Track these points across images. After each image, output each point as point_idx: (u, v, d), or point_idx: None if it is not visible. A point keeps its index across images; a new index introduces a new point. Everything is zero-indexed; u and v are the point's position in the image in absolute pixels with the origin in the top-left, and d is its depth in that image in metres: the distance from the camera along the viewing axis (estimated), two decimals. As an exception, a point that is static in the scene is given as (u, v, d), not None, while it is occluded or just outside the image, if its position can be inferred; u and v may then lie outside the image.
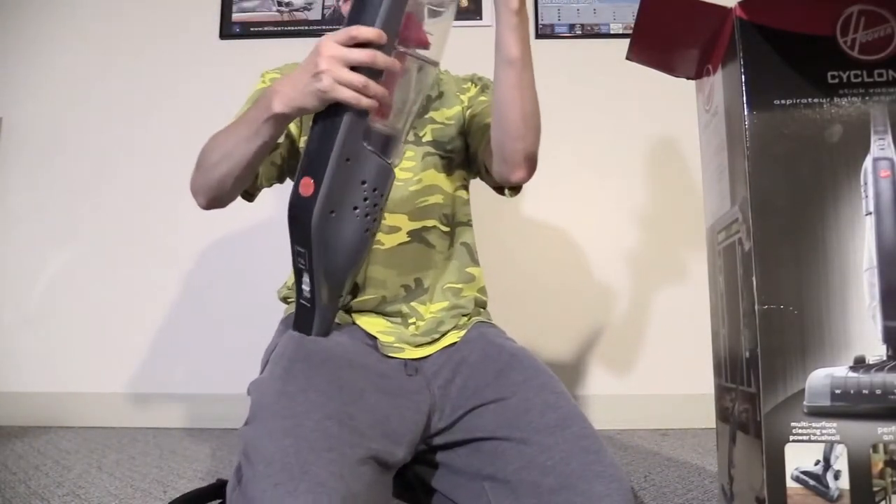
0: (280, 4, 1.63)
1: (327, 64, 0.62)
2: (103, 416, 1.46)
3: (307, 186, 0.67)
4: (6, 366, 1.51)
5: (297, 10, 1.63)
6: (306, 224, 0.67)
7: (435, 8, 0.69)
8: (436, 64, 0.71)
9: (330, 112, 0.66)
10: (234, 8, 1.62)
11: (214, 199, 0.81)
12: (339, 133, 0.65)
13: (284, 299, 0.91)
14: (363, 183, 0.67)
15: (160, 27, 1.63)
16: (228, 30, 1.62)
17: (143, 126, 1.60)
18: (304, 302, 0.72)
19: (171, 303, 1.54)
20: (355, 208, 0.67)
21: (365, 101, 0.63)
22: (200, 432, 1.40)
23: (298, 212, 0.68)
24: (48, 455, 1.17)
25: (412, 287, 0.84)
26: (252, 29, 1.61)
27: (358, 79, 0.62)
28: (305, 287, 0.71)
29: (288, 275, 0.91)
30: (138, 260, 1.55)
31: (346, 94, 0.62)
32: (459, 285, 0.87)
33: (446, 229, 0.89)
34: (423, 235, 0.86)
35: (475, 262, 0.92)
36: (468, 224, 0.93)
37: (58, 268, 1.56)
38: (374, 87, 0.63)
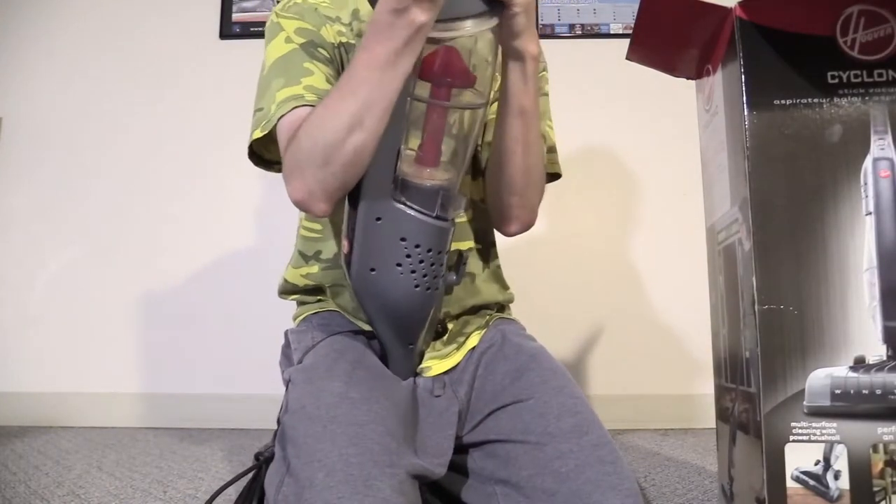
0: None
1: None
2: (103, 416, 1.47)
3: (346, 245, 0.66)
4: (6, 366, 1.51)
5: (297, 10, 1.63)
6: (351, 284, 0.67)
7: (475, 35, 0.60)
8: (484, 105, 0.64)
9: None
10: (234, 8, 1.62)
11: (342, 189, 0.65)
12: (361, 191, 0.63)
13: (296, 294, 0.86)
14: (403, 240, 0.63)
15: (160, 27, 1.62)
16: (228, 30, 1.62)
17: (143, 126, 1.59)
18: (382, 353, 0.73)
19: (171, 302, 1.54)
20: (398, 265, 0.64)
21: None
22: (200, 432, 1.40)
23: (345, 271, 0.68)
24: (48, 455, 1.17)
25: (440, 329, 0.79)
26: (252, 29, 1.61)
27: None
28: (378, 339, 0.72)
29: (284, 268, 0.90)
30: (138, 260, 1.55)
31: None
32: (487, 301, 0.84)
33: (479, 246, 0.82)
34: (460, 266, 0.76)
35: (504, 286, 0.87)
36: (495, 244, 0.87)
37: (57, 268, 1.56)
38: None
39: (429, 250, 0.64)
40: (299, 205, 0.67)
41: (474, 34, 0.60)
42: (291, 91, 0.70)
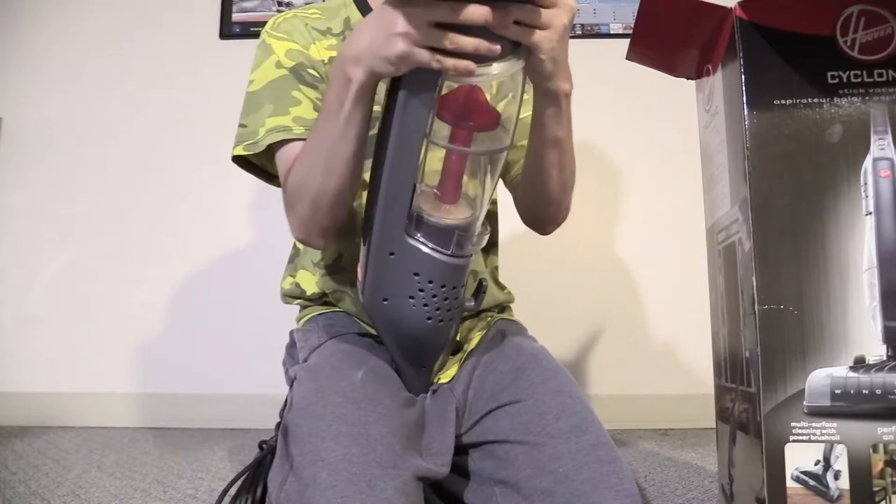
0: (280, 4, 1.63)
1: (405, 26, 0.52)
2: (103, 416, 1.46)
3: (360, 272, 0.66)
4: (6, 366, 1.51)
5: (297, 10, 1.63)
6: (364, 306, 0.67)
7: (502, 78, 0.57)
8: (508, 148, 0.62)
9: (369, 201, 0.62)
10: (234, 8, 1.62)
11: (336, 226, 0.70)
12: (374, 227, 0.61)
13: (301, 299, 0.87)
14: (416, 275, 0.61)
15: (160, 27, 1.62)
16: (228, 30, 1.62)
17: (143, 126, 1.59)
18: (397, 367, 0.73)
19: (171, 302, 1.54)
20: (411, 297, 0.62)
21: (449, 63, 0.53)
22: (200, 432, 1.40)
23: (359, 294, 0.68)
24: (48, 455, 1.17)
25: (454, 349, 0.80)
26: (252, 29, 1.61)
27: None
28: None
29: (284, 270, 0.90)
30: (138, 259, 1.55)
31: (425, 57, 0.52)
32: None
33: (483, 248, 0.83)
34: None
35: (501, 287, 0.89)
36: (496, 244, 0.88)
37: (58, 268, 1.56)
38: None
39: (442, 286, 0.62)
40: (300, 241, 0.72)
41: (500, 78, 0.57)
42: (280, 121, 0.72)
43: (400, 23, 0.52)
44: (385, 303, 0.64)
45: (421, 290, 0.62)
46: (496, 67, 0.55)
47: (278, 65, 0.75)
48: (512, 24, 0.53)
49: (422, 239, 0.61)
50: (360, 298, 0.68)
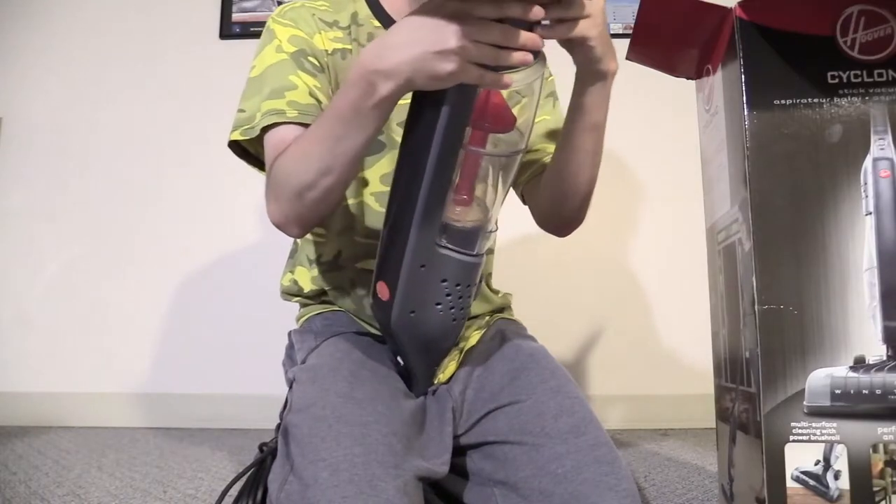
0: (280, 4, 1.63)
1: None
2: (103, 416, 1.46)
3: (383, 291, 0.65)
4: (6, 366, 1.51)
5: (297, 10, 1.63)
6: (386, 325, 0.66)
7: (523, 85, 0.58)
8: (523, 151, 0.64)
9: (398, 216, 0.61)
10: (234, 8, 1.62)
11: (316, 220, 0.69)
12: (408, 242, 0.60)
13: (299, 297, 0.87)
14: (444, 281, 0.63)
15: (160, 27, 1.62)
16: (228, 30, 1.62)
17: (143, 126, 1.59)
18: (402, 369, 0.73)
19: (171, 302, 1.54)
20: (438, 304, 0.63)
21: (490, 78, 0.54)
22: (200, 432, 1.40)
23: (378, 312, 0.67)
24: (48, 455, 1.17)
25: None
26: (252, 29, 1.61)
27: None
28: (401, 361, 0.72)
29: (285, 269, 0.90)
30: (138, 259, 1.55)
31: (475, 75, 0.53)
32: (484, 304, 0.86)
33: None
34: None
35: (495, 291, 0.89)
36: (491, 251, 0.88)
37: (57, 268, 1.56)
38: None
39: (468, 285, 0.64)
40: (276, 226, 0.69)
41: (521, 86, 0.58)
42: (275, 104, 0.71)
43: (453, 40, 0.52)
44: (412, 315, 0.64)
45: (448, 295, 0.63)
46: (516, 77, 0.56)
47: (279, 49, 0.74)
48: (557, 24, 0.55)
49: (449, 245, 0.62)
50: (380, 317, 0.68)
